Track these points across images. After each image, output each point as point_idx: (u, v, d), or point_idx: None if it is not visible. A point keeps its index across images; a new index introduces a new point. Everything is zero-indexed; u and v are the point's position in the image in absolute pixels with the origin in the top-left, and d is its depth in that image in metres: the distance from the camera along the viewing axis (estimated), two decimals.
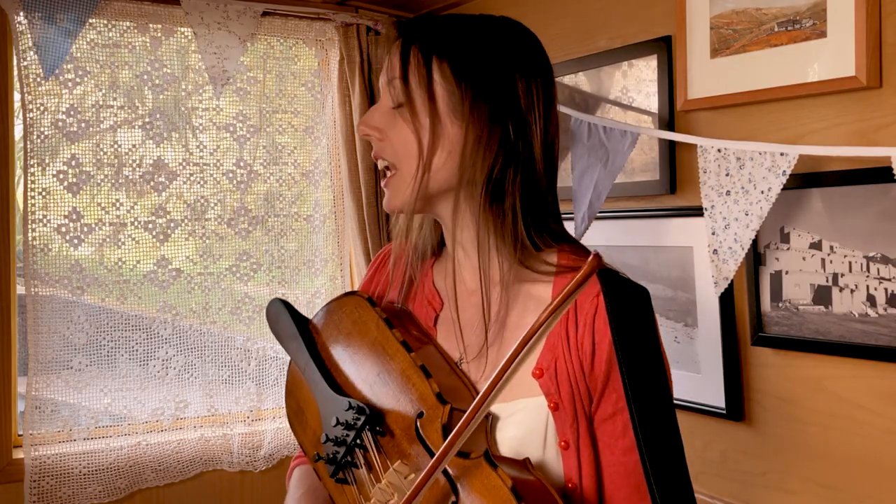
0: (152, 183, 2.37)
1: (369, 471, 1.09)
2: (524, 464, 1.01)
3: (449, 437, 0.92)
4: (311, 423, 1.19)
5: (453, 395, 1.04)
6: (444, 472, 0.98)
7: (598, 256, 0.85)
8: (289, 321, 1.24)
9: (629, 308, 0.93)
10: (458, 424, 0.91)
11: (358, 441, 1.09)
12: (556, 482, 1.05)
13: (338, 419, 1.11)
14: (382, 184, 1.16)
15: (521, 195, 1.09)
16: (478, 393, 1.06)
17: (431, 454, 1.00)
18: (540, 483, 0.96)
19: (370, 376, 1.13)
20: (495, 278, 1.12)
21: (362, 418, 1.08)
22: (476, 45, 1.09)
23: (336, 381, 1.16)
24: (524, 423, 1.07)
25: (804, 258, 1.61)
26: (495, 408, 1.07)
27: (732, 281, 1.62)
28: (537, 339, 0.87)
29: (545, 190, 1.12)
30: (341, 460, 1.10)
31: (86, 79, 2.28)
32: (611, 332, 0.91)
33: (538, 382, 1.06)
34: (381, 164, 1.15)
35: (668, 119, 1.87)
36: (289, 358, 1.25)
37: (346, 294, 1.24)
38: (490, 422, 1.06)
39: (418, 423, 1.04)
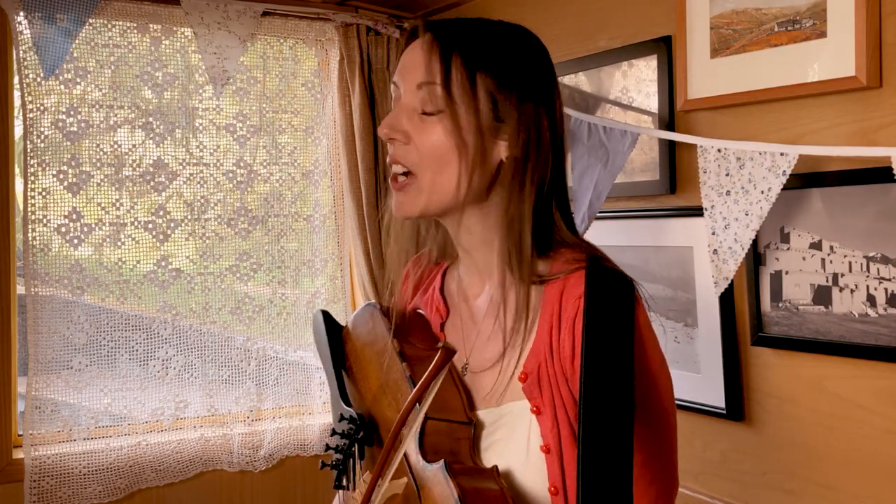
0: (152, 183, 2.37)
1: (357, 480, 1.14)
2: (491, 473, 1.01)
3: (382, 451, 0.97)
4: None
5: (441, 405, 1.05)
6: (413, 479, 1.01)
7: (445, 349, 0.92)
8: (323, 333, 1.28)
9: (606, 310, 0.93)
10: (385, 446, 0.97)
11: (351, 450, 1.13)
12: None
13: (334, 429, 1.16)
14: (393, 186, 1.11)
15: (535, 205, 1.09)
16: (471, 402, 1.10)
17: (409, 463, 1.03)
18: (500, 493, 0.96)
19: (375, 386, 1.16)
20: (496, 280, 1.13)
21: (353, 428, 1.13)
22: (518, 62, 1.08)
23: (353, 391, 1.21)
24: (508, 427, 1.07)
25: (804, 258, 1.61)
26: (482, 414, 1.09)
27: (732, 281, 1.62)
28: (412, 421, 0.95)
29: (557, 199, 1.12)
30: (338, 468, 1.15)
31: (86, 79, 2.28)
32: (582, 336, 0.91)
33: (522, 386, 1.07)
34: (397, 169, 1.10)
35: (668, 119, 1.87)
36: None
37: (365, 305, 1.27)
38: (474, 429, 1.08)
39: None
